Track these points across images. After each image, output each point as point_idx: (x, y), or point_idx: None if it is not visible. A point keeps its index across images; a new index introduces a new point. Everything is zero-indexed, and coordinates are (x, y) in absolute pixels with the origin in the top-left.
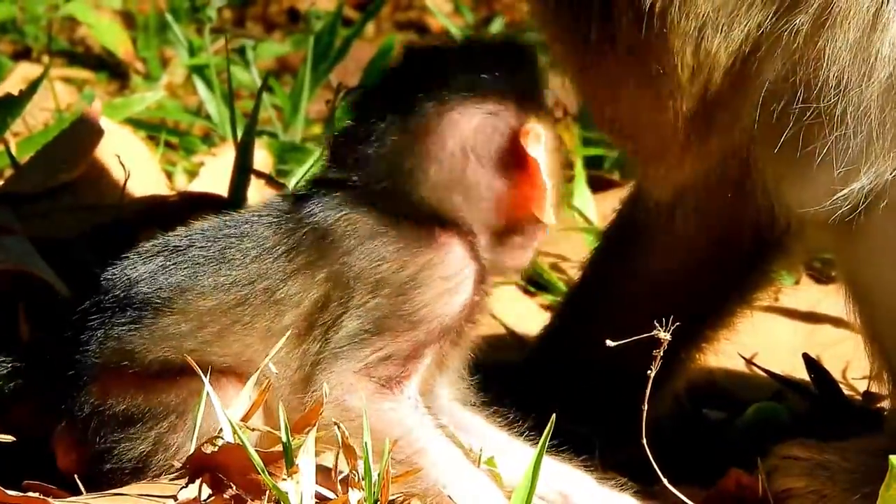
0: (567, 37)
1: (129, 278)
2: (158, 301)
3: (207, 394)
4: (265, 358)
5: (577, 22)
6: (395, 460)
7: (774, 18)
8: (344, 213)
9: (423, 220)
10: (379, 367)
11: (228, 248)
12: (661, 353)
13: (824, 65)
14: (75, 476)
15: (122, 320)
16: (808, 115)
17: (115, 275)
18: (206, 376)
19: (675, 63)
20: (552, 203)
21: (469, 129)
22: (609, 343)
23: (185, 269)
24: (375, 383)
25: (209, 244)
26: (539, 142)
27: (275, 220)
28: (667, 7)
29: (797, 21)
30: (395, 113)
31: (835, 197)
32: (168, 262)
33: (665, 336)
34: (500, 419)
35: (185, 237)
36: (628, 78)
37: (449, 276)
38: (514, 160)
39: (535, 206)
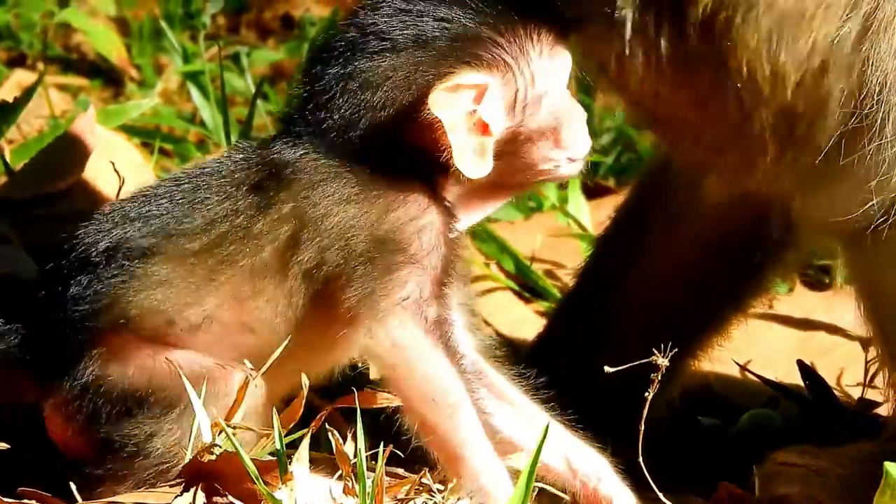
0: (640, 62)
1: (114, 230)
2: (146, 248)
3: (209, 388)
4: (255, 300)
5: (651, 46)
6: (434, 401)
7: (834, 30)
8: (304, 151)
9: (374, 166)
10: (419, 303)
11: (201, 188)
12: (658, 378)
13: (868, 71)
14: (71, 484)
15: (113, 273)
16: (851, 121)
17: (97, 229)
18: (198, 385)
19: (750, 76)
20: (469, 156)
21: (384, 84)
22: (607, 369)
23: (167, 214)
24: (422, 321)
25: (186, 187)
26: (452, 99)
27: (242, 158)
28: (731, 20)
29: (846, 28)
30: (332, 64)
31: (866, 206)
32: (150, 210)
33: (663, 362)
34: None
35: (163, 185)
36: (711, 94)
37: (414, 218)
38: (421, 118)
39: (452, 160)
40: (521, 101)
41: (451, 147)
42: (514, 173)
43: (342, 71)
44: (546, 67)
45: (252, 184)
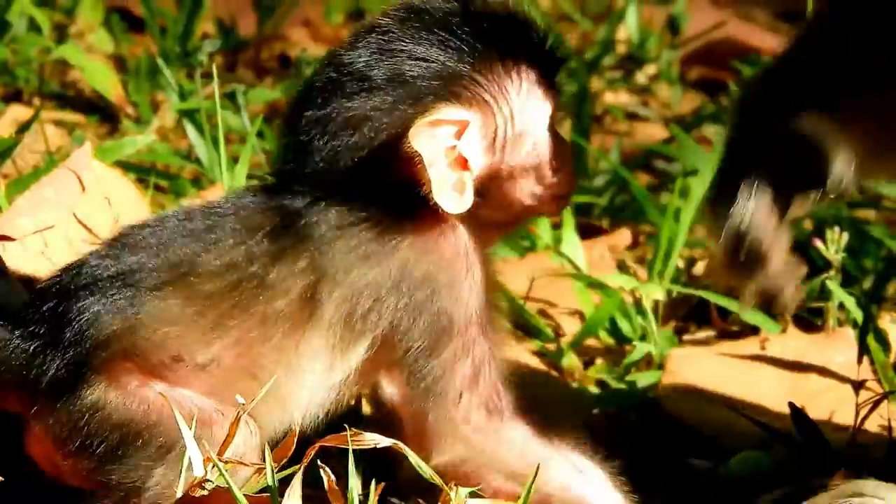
0: None
1: (126, 257)
2: (159, 283)
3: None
4: (262, 346)
5: None
6: (513, 473)
7: None
8: (308, 201)
9: (383, 209)
10: (475, 389)
11: (215, 228)
12: None
13: None
14: None
15: (123, 302)
16: None
17: (108, 252)
18: (190, 424)
19: None
20: (448, 191)
21: (363, 123)
22: None
23: (181, 250)
24: (483, 409)
25: (199, 225)
26: (432, 133)
27: (255, 201)
28: None
29: None
30: (311, 106)
31: None
32: (163, 243)
33: None
34: None
35: (175, 218)
36: None
37: (439, 259)
38: (401, 153)
39: (432, 195)
40: (500, 139)
41: (430, 181)
42: (500, 210)
43: (321, 112)
44: (526, 106)
45: (266, 232)
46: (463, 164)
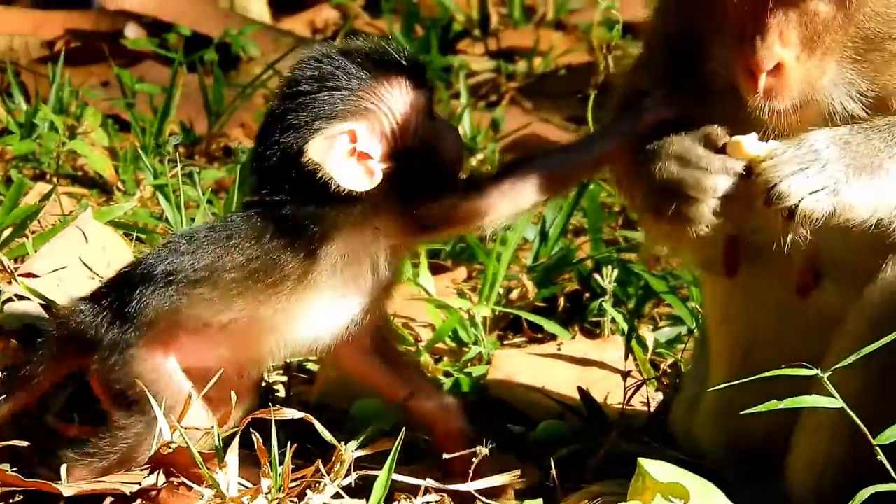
0: None
1: (170, 258)
2: (197, 279)
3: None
4: (270, 308)
5: None
6: None
7: None
8: (292, 207)
9: (329, 206)
10: None
11: (234, 236)
12: None
13: None
14: (62, 467)
15: (171, 294)
16: None
17: (158, 255)
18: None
19: None
20: (357, 177)
21: (282, 153)
22: None
23: (210, 254)
24: None
25: (222, 234)
26: (327, 144)
27: (255, 214)
28: None
29: None
30: (261, 147)
31: None
32: (197, 248)
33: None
34: None
35: (202, 231)
36: None
37: (359, 236)
38: (309, 164)
39: (340, 186)
40: (389, 132)
41: (332, 177)
42: (418, 177)
43: (260, 152)
44: (402, 103)
45: (272, 232)
46: (366, 156)
